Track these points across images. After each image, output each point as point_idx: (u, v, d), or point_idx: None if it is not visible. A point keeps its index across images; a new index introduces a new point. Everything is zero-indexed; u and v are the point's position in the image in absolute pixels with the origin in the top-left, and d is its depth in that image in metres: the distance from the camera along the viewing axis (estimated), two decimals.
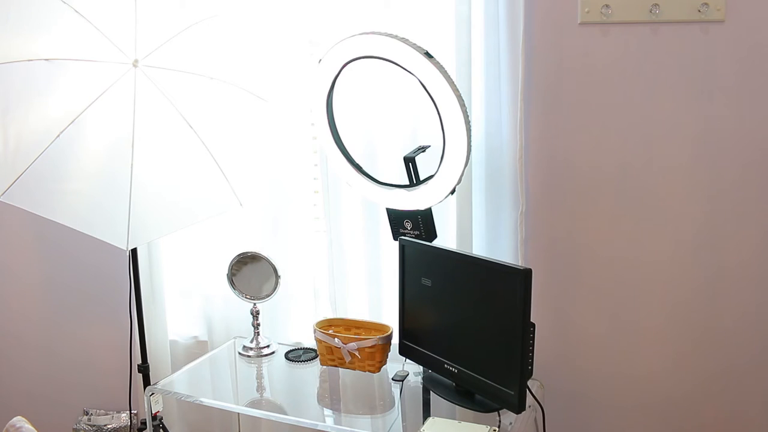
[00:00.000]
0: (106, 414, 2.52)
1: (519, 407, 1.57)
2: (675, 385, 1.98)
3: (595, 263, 1.96)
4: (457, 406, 1.76)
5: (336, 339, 1.91)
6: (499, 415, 1.68)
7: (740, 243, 1.86)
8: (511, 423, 1.67)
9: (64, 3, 1.67)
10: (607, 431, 2.05)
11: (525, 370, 1.58)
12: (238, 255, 2.12)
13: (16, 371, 2.64)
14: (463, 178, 1.72)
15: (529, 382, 1.69)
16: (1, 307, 2.61)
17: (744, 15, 1.75)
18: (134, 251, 2.03)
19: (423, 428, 1.62)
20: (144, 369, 2.07)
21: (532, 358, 1.70)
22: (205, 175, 1.87)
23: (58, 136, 1.65)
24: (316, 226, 2.20)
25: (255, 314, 2.14)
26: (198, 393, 1.91)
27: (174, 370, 2.24)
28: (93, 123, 1.69)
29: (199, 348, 2.36)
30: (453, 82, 1.63)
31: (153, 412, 1.95)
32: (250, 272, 2.13)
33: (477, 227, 2.01)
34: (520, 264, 1.88)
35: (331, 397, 1.87)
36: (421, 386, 1.90)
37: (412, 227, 1.90)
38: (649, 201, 1.89)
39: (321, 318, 2.07)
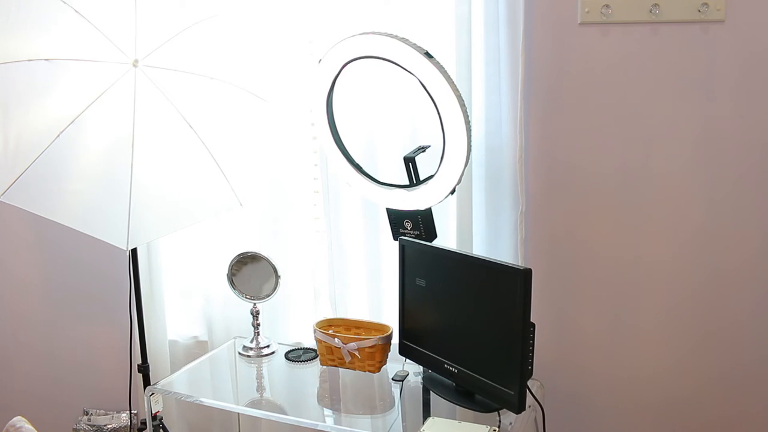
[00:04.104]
0: (106, 414, 2.52)
1: (519, 407, 1.57)
2: (675, 385, 1.98)
3: (595, 263, 1.96)
4: (457, 406, 1.76)
5: (336, 339, 1.91)
6: (499, 415, 1.68)
7: (740, 243, 1.86)
8: (511, 423, 1.67)
9: (64, 3, 1.67)
10: (606, 431, 2.05)
11: (525, 370, 1.58)
12: (238, 255, 2.11)
13: (16, 371, 2.64)
14: (463, 178, 1.72)
15: (529, 382, 1.69)
16: (1, 308, 2.60)
17: (744, 15, 1.75)
18: (134, 251, 2.03)
19: (423, 428, 1.62)
20: (144, 369, 2.07)
21: (532, 358, 1.70)
22: (205, 175, 1.87)
23: (58, 136, 1.65)
24: (316, 226, 2.20)
25: (255, 314, 2.14)
26: (198, 393, 1.91)
27: (174, 370, 2.24)
28: (93, 123, 1.69)
29: (199, 348, 2.36)
30: (453, 82, 1.63)
31: (153, 412, 1.95)
32: (250, 272, 2.13)
33: (477, 227, 2.01)
34: (520, 264, 1.88)
35: (331, 397, 1.87)
36: (421, 386, 1.90)
37: (412, 227, 1.90)
38: (649, 201, 1.89)
39: (321, 318, 2.07)
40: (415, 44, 1.64)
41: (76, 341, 2.54)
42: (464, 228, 1.97)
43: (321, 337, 1.94)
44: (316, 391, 1.91)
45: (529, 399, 1.70)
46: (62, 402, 2.60)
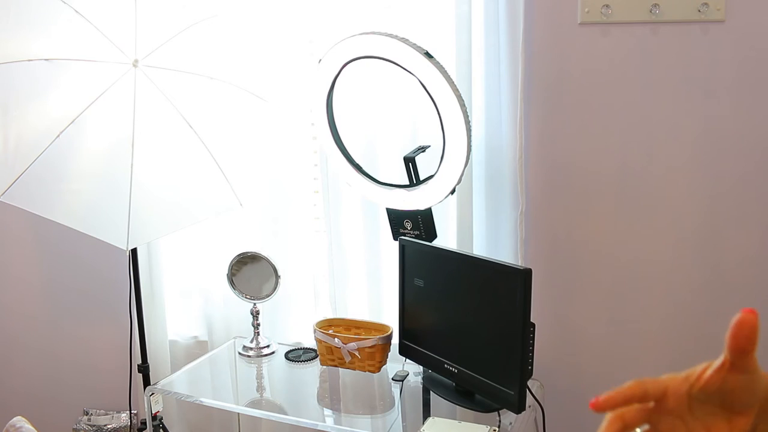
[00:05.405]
0: (106, 414, 2.52)
1: (519, 407, 1.57)
2: None
3: (595, 263, 1.96)
4: (457, 406, 1.76)
5: (336, 339, 1.91)
6: (499, 415, 1.68)
7: (740, 243, 1.86)
8: (511, 423, 1.67)
9: (64, 3, 1.67)
10: None
11: (525, 370, 1.58)
12: (238, 255, 2.11)
13: (16, 371, 2.64)
14: (463, 178, 1.72)
15: (529, 382, 1.69)
16: (1, 308, 2.60)
17: (744, 15, 1.75)
18: (134, 251, 2.03)
19: (423, 428, 1.62)
20: (144, 369, 2.07)
21: (532, 358, 1.70)
22: (205, 175, 1.87)
23: (58, 136, 1.65)
24: (316, 226, 2.20)
25: (255, 314, 2.14)
26: (198, 393, 1.91)
27: (174, 370, 2.24)
28: (93, 123, 1.69)
29: (199, 348, 2.36)
30: (453, 82, 1.63)
31: (153, 412, 1.95)
32: (250, 272, 2.13)
33: (477, 227, 2.01)
34: (520, 264, 1.88)
35: (331, 397, 1.87)
36: (421, 386, 1.90)
37: (412, 227, 1.90)
38: (649, 201, 1.89)
39: (321, 318, 2.07)
40: (415, 44, 1.64)
41: (76, 341, 2.54)
42: (464, 228, 1.97)
43: (321, 337, 1.94)
44: (316, 391, 1.91)
45: (529, 399, 1.70)
46: (62, 402, 2.60)
